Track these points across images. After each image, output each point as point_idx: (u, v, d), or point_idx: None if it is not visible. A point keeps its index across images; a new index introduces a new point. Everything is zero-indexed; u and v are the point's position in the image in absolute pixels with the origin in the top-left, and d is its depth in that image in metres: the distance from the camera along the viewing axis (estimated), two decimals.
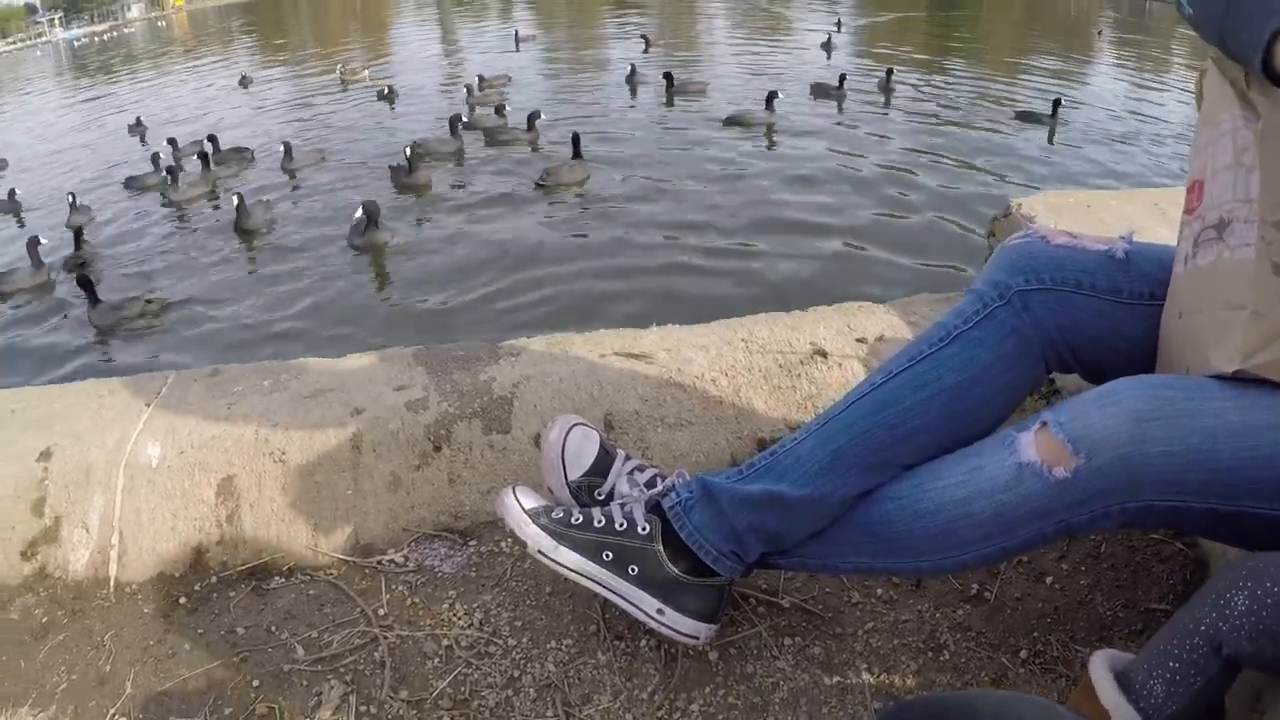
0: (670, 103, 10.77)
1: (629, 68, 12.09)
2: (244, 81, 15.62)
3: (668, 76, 11.30)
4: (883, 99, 10.55)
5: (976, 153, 7.93)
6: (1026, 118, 9.57)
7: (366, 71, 13.08)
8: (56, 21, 64.99)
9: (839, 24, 14.42)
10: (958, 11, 21.48)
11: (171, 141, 10.02)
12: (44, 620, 1.46)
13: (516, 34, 16.94)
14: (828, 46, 14.16)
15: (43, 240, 6.78)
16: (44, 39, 60.83)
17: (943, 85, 11.29)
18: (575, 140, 7.95)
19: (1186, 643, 0.84)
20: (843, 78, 10.72)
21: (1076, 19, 22.55)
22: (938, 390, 1.03)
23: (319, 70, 16.53)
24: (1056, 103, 9.41)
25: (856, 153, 8.03)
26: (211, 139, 9.87)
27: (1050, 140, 8.84)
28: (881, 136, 8.80)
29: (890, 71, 10.95)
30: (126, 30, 52.57)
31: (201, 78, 18.20)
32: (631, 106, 10.75)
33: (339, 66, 13.24)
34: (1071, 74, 13.06)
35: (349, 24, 32.17)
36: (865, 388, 1.07)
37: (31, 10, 69.68)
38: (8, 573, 1.53)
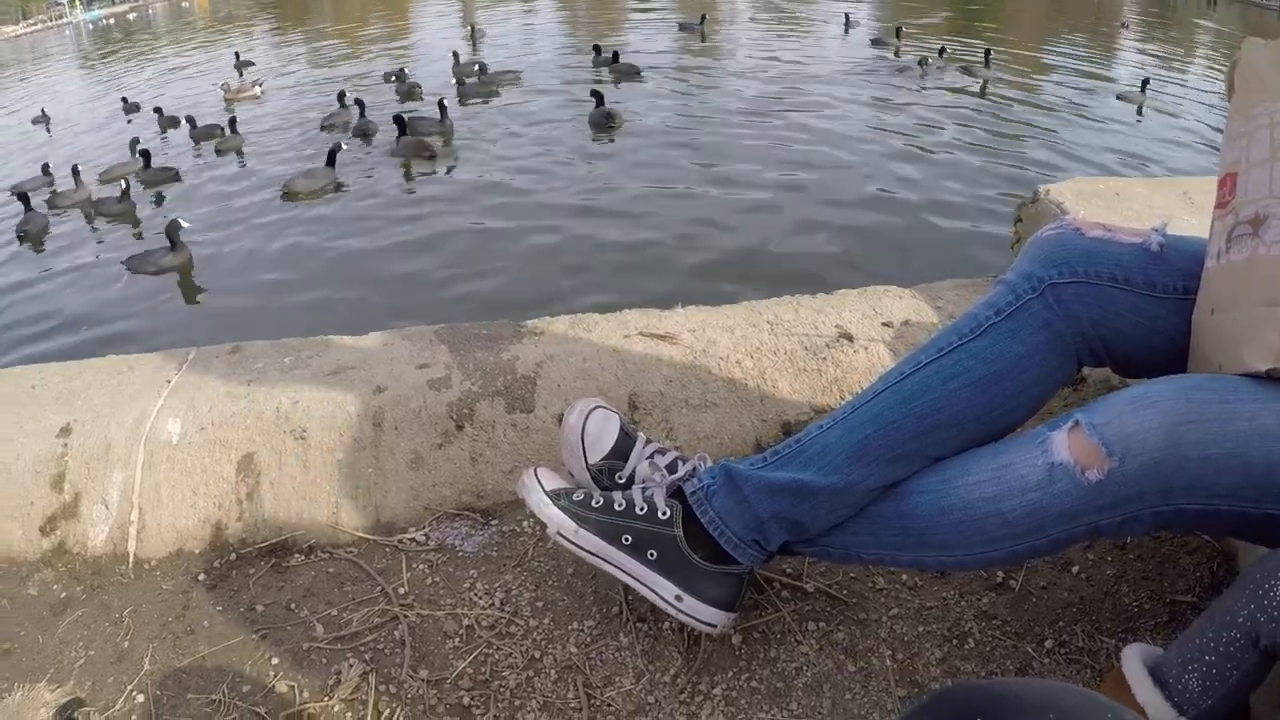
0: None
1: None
2: (240, 65, 15.73)
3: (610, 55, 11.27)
4: (920, 76, 10.39)
5: (1007, 136, 7.79)
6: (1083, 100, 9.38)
7: (259, 87, 12.37)
8: (77, 2, 65.18)
9: (847, 18, 14.25)
10: (976, 6, 21.33)
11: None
12: (62, 596, 1.47)
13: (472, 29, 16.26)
14: (847, 24, 14.09)
15: None
16: (64, 20, 61.06)
17: (973, 65, 11.07)
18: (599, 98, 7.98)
19: (1223, 635, 0.83)
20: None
21: (1100, 8, 22.36)
22: (967, 382, 1.01)
23: (330, 57, 16.48)
24: (1145, 82, 9.28)
25: (889, 129, 7.92)
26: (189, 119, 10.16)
27: (1139, 114, 8.58)
28: (917, 115, 8.64)
29: (941, 50, 10.80)
30: (150, 12, 52.67)
31: (210, 61, 18.20)
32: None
33: (223, 85, 12.47)
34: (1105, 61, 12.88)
35: (370, 6, 32.17)
36: (893, 377, 1.05)
37: None
38: (26, 548, 1.53)
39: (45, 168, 8.64)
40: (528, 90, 10.53)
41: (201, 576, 1.39)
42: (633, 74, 10.73)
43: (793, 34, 13.17)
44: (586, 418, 1.18)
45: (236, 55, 16.24)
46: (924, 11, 17.39)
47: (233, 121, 9.74)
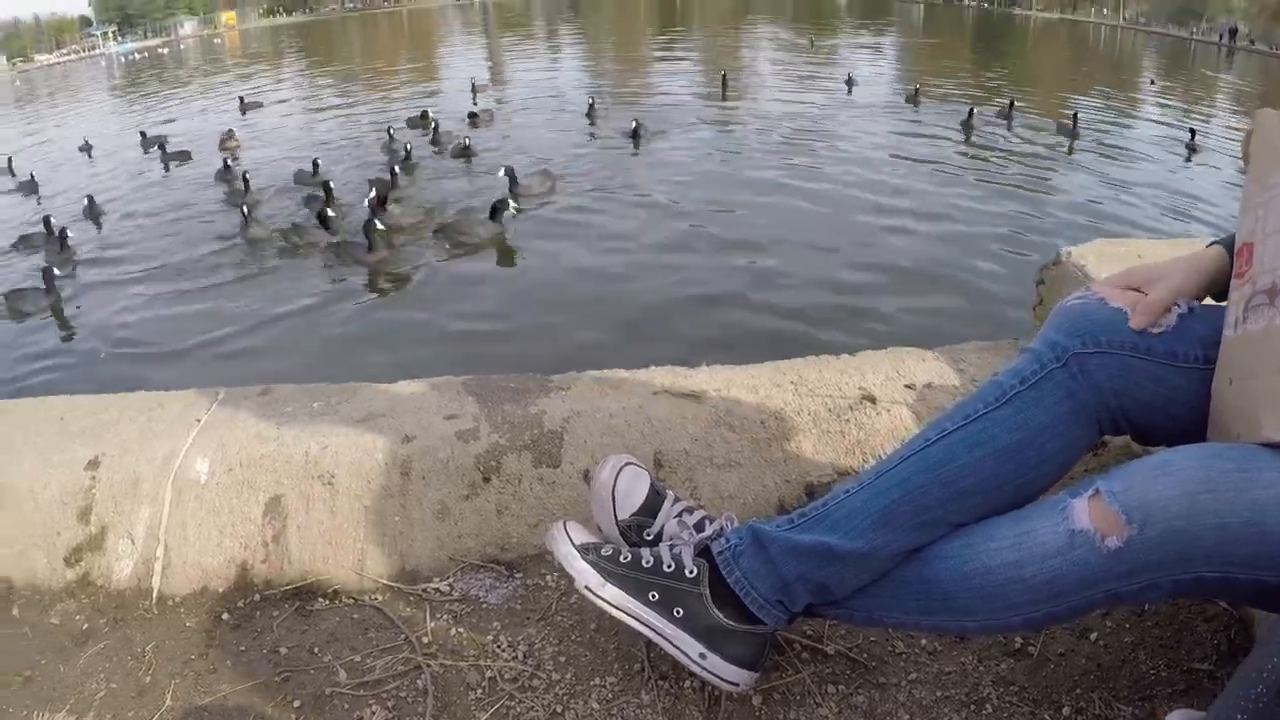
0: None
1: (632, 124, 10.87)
2: (243, 106, 15.75)
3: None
4: (962, 135, 10.26)
5: (1031, 191, 7.73)
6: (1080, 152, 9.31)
7: (233, 141, 11.85)
8: (110, 35, 66.49)
9: (849, 82, 14.09)
10: (995, 67, 21.46)
11: None
12: (85, 627, 1.48)
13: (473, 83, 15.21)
14: (849, 83, 13.99)
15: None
16: (97, 51, 62.23)
17: (994, 121, 11.03)
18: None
19: (1251, 693, 0.84)
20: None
21: (1119, 62, 22.52)
22: (992, 450, 1.03)
23: (349, 99, 16.52)
24: (1193, 133, 9.22)
25: (909, 186, 7.84)
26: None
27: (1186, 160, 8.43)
28: (940, 170, 8.56)
29: (971, 111, 10.66)
30: (181, 47, 53.72)
31: (228, 98, 18.33)
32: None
33: (220, 138, 12.04)
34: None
35: (398, 47, 32.57)
36: (919, 443, 1.07)
37: (86, 23, 71.32)
38: (50, 577, 1.55)
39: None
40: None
41: (225, 616, 1.40)
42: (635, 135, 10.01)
43: (803, 92, 13.21)
44: (618, 474, 1.20)
45: (241, 99, 16.28)
46: (944, 69, 17.36)
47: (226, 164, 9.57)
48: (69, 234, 6.91)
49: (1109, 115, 12.56)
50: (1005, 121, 10.72)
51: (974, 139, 9.78)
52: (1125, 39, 37.11)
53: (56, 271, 5.91)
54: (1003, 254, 5.69)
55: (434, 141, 10.11)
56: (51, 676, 1.40)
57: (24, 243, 7.34)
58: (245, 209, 6.99)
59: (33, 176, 10.29)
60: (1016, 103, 11.46)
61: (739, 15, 39.47)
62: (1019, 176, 7.92)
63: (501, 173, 7.13)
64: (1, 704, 1.36)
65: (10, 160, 12.08)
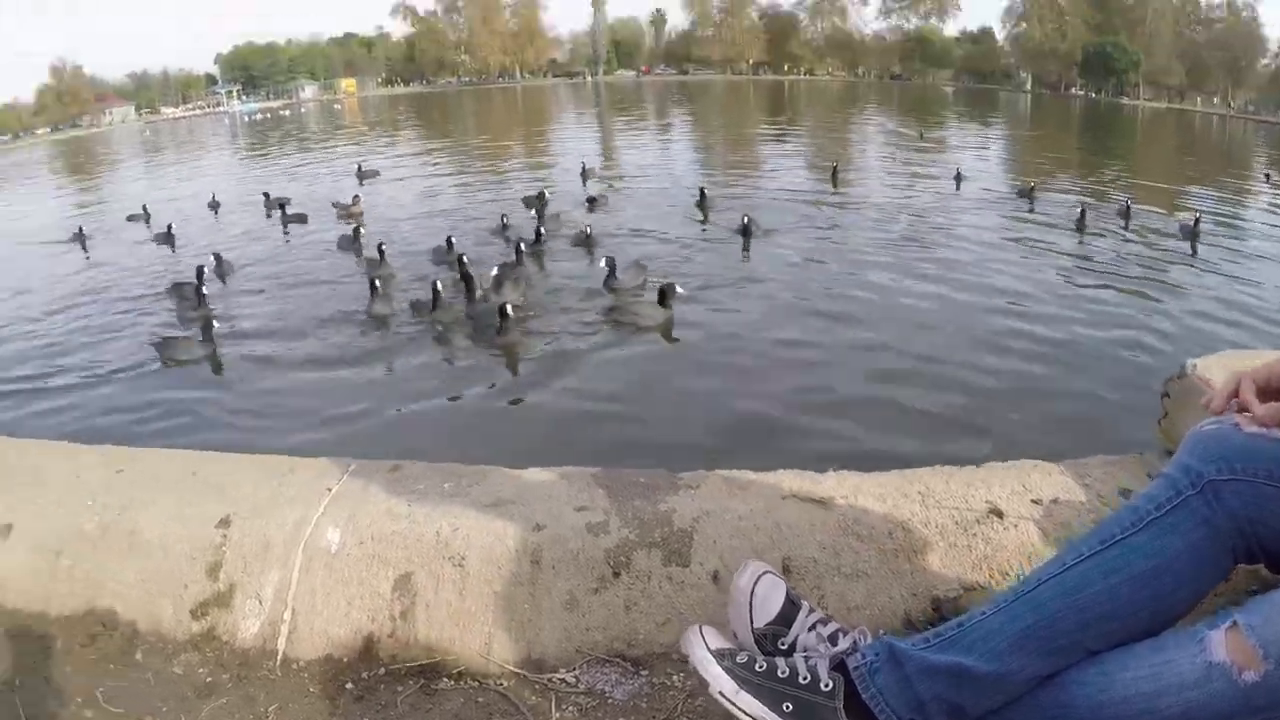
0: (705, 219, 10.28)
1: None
2: (361, 174, 15.83)
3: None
4: (1076, 233, 9.95)
5: (1148, 300, 7.45)
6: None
7: (358, 204, 11.74)
8: (234, 94, 69.63)
9: (958, 177, 13.70)
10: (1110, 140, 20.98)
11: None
12: (208, 680, 1.53)
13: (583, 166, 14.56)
14: (958, 178, 13.63)
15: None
16: (221, 108, 65.63)
17: (1111, 219, 10.73)
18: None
19: None
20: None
21: (1232, 151, 21.94)
22: (1128, 577, 1.03)
23: (464, 172, 16.81)
24: None
25: (1028, 286, 7.64)
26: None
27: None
28: (1059, 271, 8.31)
29: (1082, 211, 10.13)
30: (301, 110, 55.84)
31: (348, 161, 18.76)
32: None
33: (334, 205, 12.03)
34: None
35: (512, 122, 33.31)
36: (1055, 567, 1.08)
37: (212, 81, 74.81)
38: (175, 628, 1.60)
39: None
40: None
41: (349, 685, 1.44)
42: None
43: (912, 184, 13.09)
44: (756, 582, 1.22)
45: (359, 166, 16.42)
46: (1054, 162, 17.04)
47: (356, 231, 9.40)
48: (205, 290, 7.07)
49: (1228, 212, 12.19)
50: (1122, 220, 10.42)
51: (1089, 238, 9.56)
52: (1235, 128, 36.60)
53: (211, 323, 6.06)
54: (1123, 360, 5.57)
55: (540, 218, 9.81)
56: None
57: (176, 291, 7.37)
58: (376, 281, 6.97)
59: (170, 229, 10.54)
60: (1131, 196, 11.13)
61: (846, 104, 39.85)
62: (1139, 279, 7.73)
63: (603, 262, 7.14)
64: None
65: (145, 208, 12.53)
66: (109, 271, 9.20)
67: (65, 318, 7.37)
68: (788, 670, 1.13)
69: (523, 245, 8.13)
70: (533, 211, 10.62)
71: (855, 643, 1.18)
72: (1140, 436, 2.06)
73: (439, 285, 6.49)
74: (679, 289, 6.25)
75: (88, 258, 10.20)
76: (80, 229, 11.18)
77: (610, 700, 1.33)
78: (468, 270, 6.94)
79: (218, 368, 5.91)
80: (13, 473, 1.94)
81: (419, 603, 1.43)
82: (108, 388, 5.62)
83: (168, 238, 10.45)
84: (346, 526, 1.51)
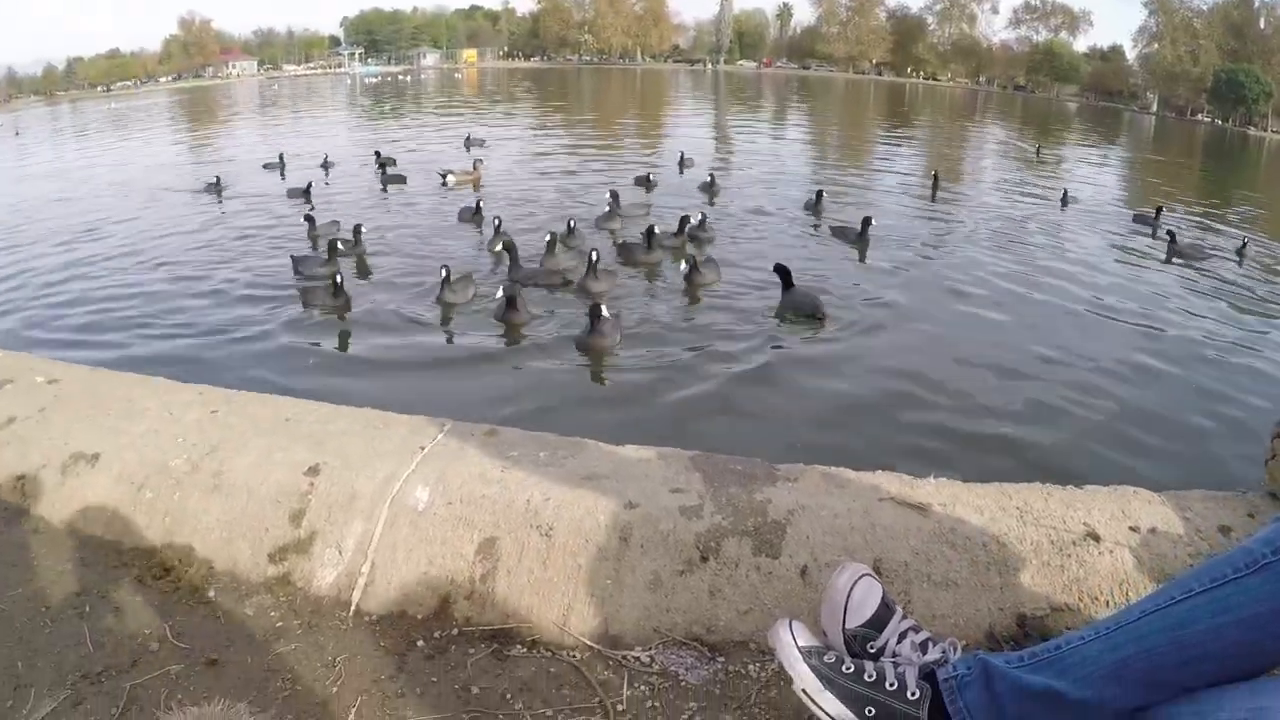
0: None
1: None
2: (469, 143, 16.08)
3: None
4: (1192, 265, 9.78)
5: (1261, 337, 7.30)
6: None
7: (450, 177, 11.77)
8: (356, 56, 72.32)
9: (1064, 199, 13.45)
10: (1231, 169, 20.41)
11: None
12: (278, 624, 1.53)
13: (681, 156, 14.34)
14: (1064, 200, 13.44)
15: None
16: (341, 70, 67.73)
17: (1228, 256, 10.54)
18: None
19: None
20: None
21: None
22: (1236, 619, 1.01)
23: (574, 149, 16.86)
24: None
25: (1135, 314, 7.55)
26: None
27: None
28: (1172, 302, 8.18)
29: (1244, 243, 9.89)
30: (421, 77, 57.70)
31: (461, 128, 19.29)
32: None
33: (444, 174, 12.01)
34: None
35: (627, 104, 33.85)
36: (1161, 600, 1.05)
37: (335, 42, 77.97)
38: (251, 570, 1.62)
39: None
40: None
41: (420, 643, 1.43)
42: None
43: (1020, 204, 12.94)
44: (855, 583, 1.20)
45: (468, 137, 16.74)
46: (1172, 188, 16.72)
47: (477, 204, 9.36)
48: (339, 246, 7.30)
49: None
50: (1238, 258, 10.26)
51: (1205, 270, 9.45)
52: None
53: (339, 279, 6.24)
54: (1229, 397, 5.50)
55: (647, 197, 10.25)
56: (238, 665, 1.44)
57: (330, 249, 7.46)
58: (494, 252, 7.20)
59: (309, 186, 10.84)
60: (1250, 229, 10.98)
61: (967, 112, 39.55)
62: (1253, 317, 7.64)
63: (683, 264, 7.18)
64: (184, 682, 1.41)
65: (282, 157, 13.06)
66: (245, 219, 9.61)
67: (200, 264, 7.62)
68: (875, 675, 1.12)
69: (625, 241, 8.10)
70: (640, 191, 10.91)
71: (945, 654, 1.16)
72: (1245, 475, 2.00)
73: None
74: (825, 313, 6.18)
75: (222, 210, 10.47)
76: (217, 179, 11.57)
77: (683, 683, 1.32)
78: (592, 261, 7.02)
79: (343, 316, 6.06)
80: (105, 404, 1.99)
81: (500, 568, 1.43)
82: (243, 332, 5.78)
83: (301, 192, 10.75)
84: (436, 486, 1.52)
